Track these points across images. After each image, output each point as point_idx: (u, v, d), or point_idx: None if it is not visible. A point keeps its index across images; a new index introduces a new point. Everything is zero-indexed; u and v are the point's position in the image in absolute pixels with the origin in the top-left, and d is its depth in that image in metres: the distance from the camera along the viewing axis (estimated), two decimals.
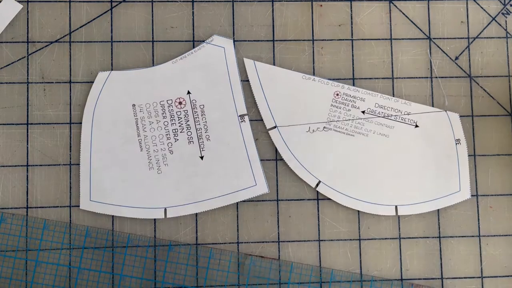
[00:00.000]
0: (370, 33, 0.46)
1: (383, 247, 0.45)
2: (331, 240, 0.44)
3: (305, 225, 0.44)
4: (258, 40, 0.46)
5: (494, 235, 0.45)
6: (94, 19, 0.45)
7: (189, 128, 0.44)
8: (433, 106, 0.46)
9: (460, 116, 0.45)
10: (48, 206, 0.43)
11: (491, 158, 0.46)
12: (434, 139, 0.45)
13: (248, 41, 0.45)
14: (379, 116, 0.45)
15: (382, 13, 0.46)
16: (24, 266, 0.43)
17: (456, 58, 0.46)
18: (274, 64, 0.45)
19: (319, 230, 0.44)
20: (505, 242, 0.45)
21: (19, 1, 0.45)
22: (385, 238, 0.45)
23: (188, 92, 0.44)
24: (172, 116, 0.44)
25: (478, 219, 0.45)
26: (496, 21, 0.47)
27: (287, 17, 0.46)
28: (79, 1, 0.45)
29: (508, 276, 0.45)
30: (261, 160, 0.44)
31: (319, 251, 0.44)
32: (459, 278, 0.45)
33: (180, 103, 0.44)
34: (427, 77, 0.46)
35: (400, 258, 0.44)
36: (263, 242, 0.44)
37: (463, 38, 0.47)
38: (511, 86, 0.46)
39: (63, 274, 0.43)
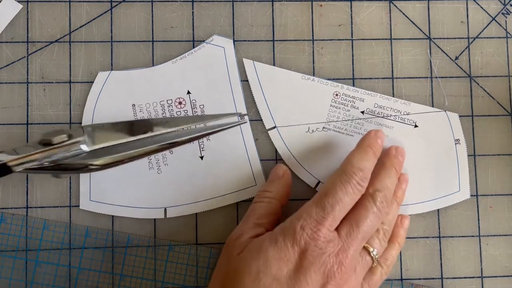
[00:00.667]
0: (370, 33, 0.46)
1: None
2: None
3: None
4: (258, 40, 0.46)
5: (494, 235, 0.45)
6: (94, 19, 0.45)
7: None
8: (433, 106, 0.46)
9: (460, 116, 0.45)
10: (48, 206, 0.43)
11: (491, 158, 0.46)
12: (434, 139, 0.45)
13: (248, 41, 0.45)
14: (379, 116, 0.45)
15: (382, 13, 0.46)
16: (24, 266, 0.43)
17: (456, 58, 0.46)
18: (274, 64, 0.45)
19: None
20: (505, 242, 0.45)
21: (19, 1, 0.45)
22: None
23: (188, 92, 0.44)
24: (172, 116, 0.44)
25: (478, 219, 0.45)
26: (496, 21, 0.47)
27: (287, 17, 0.46)
28: (79, 1, 0.45)
29: (508, 276, 0.45)
30: (261, 160, 0.44)
31: None
32: (459, 278, 0.45)
33: (180, 103, 0.44)
34: (427, 77, 0.46)
35: (400, 258, 0.44)
36: None
37: (463, 38, 0.47)
38: (511, 86, 0.46)
39: (63, 274, 0.43)
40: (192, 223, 0.44)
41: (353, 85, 0.45)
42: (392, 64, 0.46)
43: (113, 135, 0.39)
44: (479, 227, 0.45)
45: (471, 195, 0.45)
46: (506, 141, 0.46)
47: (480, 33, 0.47)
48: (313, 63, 0.46)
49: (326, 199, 0.38)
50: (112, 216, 0.44)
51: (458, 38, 0.47)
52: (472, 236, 0.45)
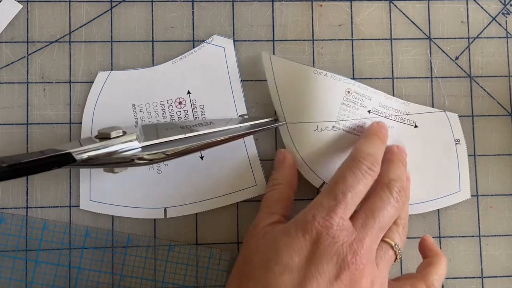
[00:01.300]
0: (370, 33, 0.46)
1: None
2: None
3: None
4: (258, 40, 0.46)
5: (494, 235, 0.45)
6: (94, 19, 0.45)
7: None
8: (433, 106, 0.46)
9: (460, 116, 0.45)
10: (48, 206, 0.43)
11: (491, 158, 0.46)
12: (434, 139, 0.45)
13: (248, 41, 0.45)
14: (381, 116, 0.44)
15: (382, 13, 0.46)
16: (24, 266, 0.43)
17: (456, 58, 0.46)
18: None
19: None
20: (505, 242, 0.45)
21: (19, 1, 0.45)
22: None
23: (188, 92, 0.44)
24: (172, 116, 0.44)
25: (478, 219, 0.45)
26: (496, 21, 0.47)
27: (287, 17, 0.46)
28: (79, 1, 0.45)
29: (508, 276, 0.45)
30: (261, 160, 0.44)
31: None
32: (459, 278, 0.45)
33: (180, 103, 0.44)
34: (427, 77, 0.46)
35: (401, 258, 0.44)
36: None
37: (463, 38, 0.47)
38: (511, 86, 0.46)
39: (63, 274, 0.43)
40: (192, 223, 0.44)
41: None
42: (392, 64, 0.46)
43: (162, 132, 0.41)
44: (479, 227, 0.45)
45: (471, 195, 0.45)
46: (506, 141, 0.46)
47: (480, 33, 0.47)
48: (313, 63, 0.46)
49: (336, 187, 0.37)
50: (112, 216, 0.44)
51: (458, 38, 0.47)
52: (472, 236, 0.45)
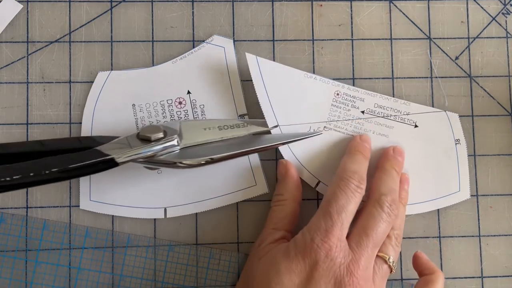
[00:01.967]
0: (370, 33, 0.46)
1: None
2: None
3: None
4: (258, 40, 0.45)
5: (494, 235, 0.45)
6: (94, 19, 0.45)
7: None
8: (433, 106, 0.46)
9: (460, 116, 0.45)
10: (48, 206, 0.43)
11: (491, 158, 0.46)
12: (434, 139, 0.45)
13: (248, 41, 0.45)
14: (379, 116, 0.45)
15: (382, 13, 0.46)
16: (24, 266, 0.43)
17: (456, 58, 0.46)
18: None
19: None
20: (505, 242, 0.45)
21: (19, 1, 0.45)
22: None
23: (188, 92, 0.44)
24: (172, 116, 0.44)
25: (478, 219, 0.45)
26: (496, 21, 0.47)
27: (287, 17, 0.46)
28: (79, 1, 0.45)
29: (508, 276, 0.45)
30: (261, 160, 0.44)
31: None
32: (459, 278, 0.45)
33: (180, 103, 0.44)
34: (427, 77, 0.46)
35: (400, 258, 0.44)
36: None
37: (463, 38, 0.47)
38: (511, 86, 0.46)
39: (63, 274, 0.43)
40: (192, 223, 0.44)
41: (353, 85, 0.45)
42: (392, 64, 0.46)
43: (200, 133, 0.41)
44: (479, 227, 0.45)
45: (471, 195, 0.45)
46: (506, 141, 0.46)
47: (480, 33, 0.47)
48: (313, 63, 0.46)
49: (330, 207, 0.38)
50: (112, 216, 0.44)
51: (458, 38, 0.47)
52: (472, 236, 0.45)
